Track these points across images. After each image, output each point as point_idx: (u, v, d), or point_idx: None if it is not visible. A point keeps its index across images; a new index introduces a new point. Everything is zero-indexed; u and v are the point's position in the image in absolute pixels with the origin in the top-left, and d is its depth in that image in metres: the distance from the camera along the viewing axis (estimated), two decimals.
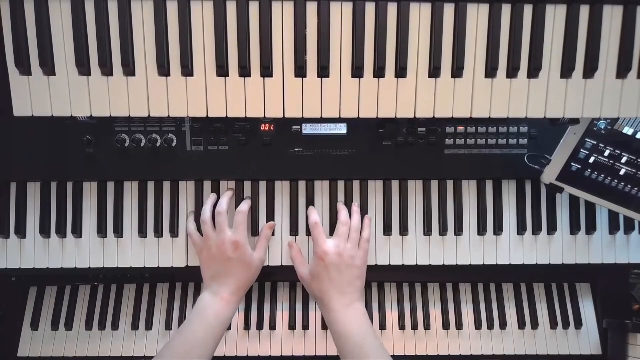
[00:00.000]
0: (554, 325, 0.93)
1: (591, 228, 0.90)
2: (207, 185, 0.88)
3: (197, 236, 0.84)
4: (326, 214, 0.89)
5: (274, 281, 0.95)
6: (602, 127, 0.81)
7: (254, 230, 0.87)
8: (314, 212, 0.85)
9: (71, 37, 0.67)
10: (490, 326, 0.94)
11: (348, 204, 0.88)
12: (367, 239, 0.84)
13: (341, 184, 0.89)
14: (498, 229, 0.89)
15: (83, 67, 0.67)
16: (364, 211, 0.88)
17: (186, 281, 0.95)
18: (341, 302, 0.77)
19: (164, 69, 0.68)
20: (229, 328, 0.92)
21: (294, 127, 0.87)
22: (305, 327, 0.92)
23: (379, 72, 0.69)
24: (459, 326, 0.93)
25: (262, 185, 0.89)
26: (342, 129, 0.87)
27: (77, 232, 0.87)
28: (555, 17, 0.68)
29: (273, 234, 0.87)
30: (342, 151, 0.87)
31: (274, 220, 0.88)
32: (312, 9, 0.67)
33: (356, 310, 0.78)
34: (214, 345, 0.74)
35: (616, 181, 0.82)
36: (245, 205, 0.84)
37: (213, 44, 0.68)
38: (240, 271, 0.80)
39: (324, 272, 0.78)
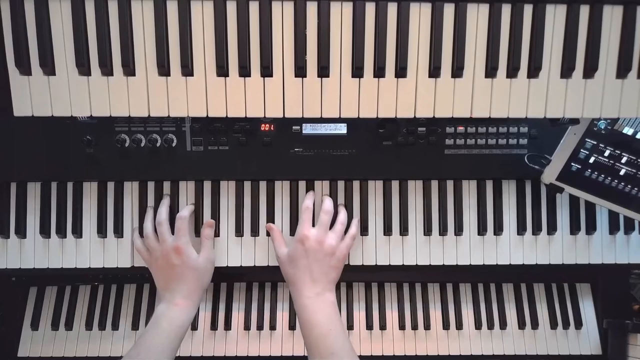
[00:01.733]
0: (554, 325, 0.93)
1: (591, 228, 0.90)
2: (207, 185, 0.88)
3: (144, 251, 0.84)
4: None
5: (274, 281, 0.95)
6: (602, 127, 0.81)
7: (254, 230, 0.87)
8: (311, 198, 0.85)
9: (71, 37, 0.67)
10: (490, 326, 0.94)
11: (348, 204, 0.88)
12: (352, 235, 0.84)
13: (341, 184, 0.89)
14: (498, 229, 0.89)
15: (83, 67, 0.67)
16: (364, 211, 0.88)
17: None
18: (312, 289, 0.77)
19: (164, 69, 0.68)
20: (229, 328, 0.92)
21: (294, 127, 0.87)
22: None
23: (379, 72, 0.69)
24: (459, 326, 0.93)
25: (262, 185, 0.89)
26: (342, 129, 0.87)
27: (77, 232, 0.87)
28: (555, 17, 0.68)
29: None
30: (342, 151, 0.87)
31: (273, 220, 0.88)
32: (312, 9, 0.67)
33: (326, 300, 0.78)
34: (170, 350, 0.74)
35: (616, 181, 0.82)
36: (185, 211, 0.84)
37: (213, 43, 0.68)
38: (188, 276, 0.80)
39: (302, 257, 0.79)
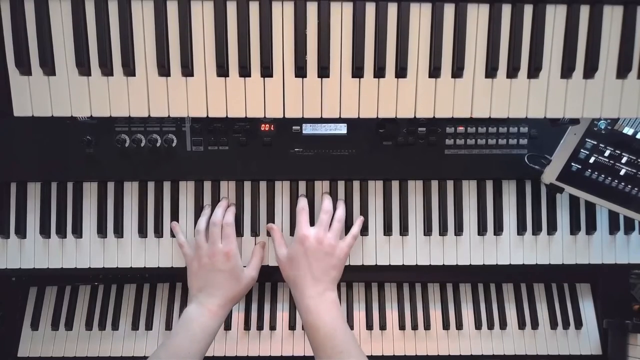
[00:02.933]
0: (554, 325, 0.94)
1: (591, 228, 0.90)
2: (207, 185, 0.88)
3: (188, 247, 0.84)
4: None
5: (274, 281, 0.95)
6: (602, 127, 0.81)
7: (254, 230, 0.87)
8: (304, 200, 0.85)
9: (71, 37, 0.67)
10: (490, 326, 0.94)
11: (348, 204, 0.88)
12: (354, 235, 0.83)
13: (341, 184, 0.89)
14: (498, 229, 0.89)
15: (83, 67, 0.67)
16: (364, 211, 0.88)
17: (186, 281, 0.95)
18: (314, 289, 0.77)
19: (164, 69, 0.68)
20: (229, 328, 0.92)
21: (294, 127, 0.87)
22: None
23: (379, 72, 0.69)
24: (459, 326, 0.93)
25: (262, 185, 0.89)
26: (342, 129, 0.87)
27: (77, 232, 0.87)
28: (555, 17, 0.68)
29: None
30: (342, 151, 0.87)
31: (273, 221, 0.88)
32: (312, 9, 0.67)
33: (328, 299, 0.77)
34: (199, 357, 0.74)
35: (616, 181, 0.82)
36: (230, 217, 0.83)
37: (213, 43, 0.68)
38: (229, 284, 0.79)
39: (302, 257, 0.78)
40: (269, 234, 0.87)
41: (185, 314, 0.77)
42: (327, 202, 0.84)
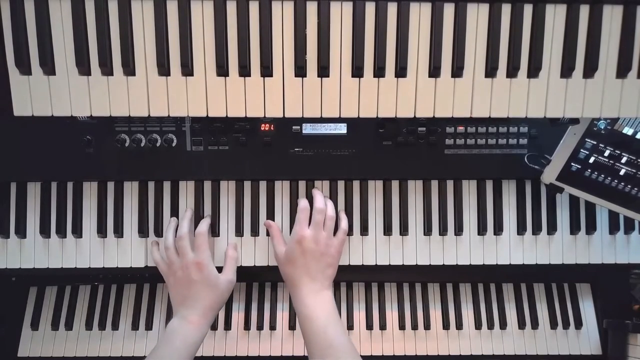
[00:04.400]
0: (554, 325, 0.93)
1: (591, 228, 0.90)
2: (207, 185, 0.88)
3: (163, 263, 0.84)
4: None
5: (274, 281, 0.95)
6: (602, 127, 0.81)
7: (254, 230, 0.87)
8: (305, 200, 0.85)
9: (71, 37, 0.67)
10: (490, 326, 0.94)
11: (348, 204, 0.88)
12: (344, 230, 0.84)
13: (341, 184, 0.89)
14: (498, 229, 0.89)
15: (83, 67, 0.67)
16: (364, 211, 0.88)
17: None
18: (311, 287, 0.78)
19: (164, 69, 0.68)
20: (229, 328, 0.92)
21: (294, 127, 0.87)
22: None
23: (379, 72, 0.69)
24: (459, 326, 0.93)
25: (262, 185, 0.89)
26: (342, 128, 0.87)
27: (77, 232, 0.87)
28: (555, 17, 0.68)
29: (267, 234, 0.87)
30: (342, 151, 0.87)
31: (274, 220, 0.88)
32: (312, 9, 0.67)
33: (324, 296, 0.79)
34: None
35: (616, 181, 0.82)
36: (203, 226, 0.83)
37: (213, 43, 0.68)
38: (206, 293, 0.79)
39: (300, 257, 0.79)
40: (268, 233, 0.87)
41: (168, 328, 0.78)
42: (320, 200, 0.84)
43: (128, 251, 0.88)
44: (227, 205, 0.88)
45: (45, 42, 0.66)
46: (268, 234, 0.87)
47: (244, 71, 0.68)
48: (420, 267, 0.89)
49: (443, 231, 0.88)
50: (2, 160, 0.86)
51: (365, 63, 0.69)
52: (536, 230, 0.89)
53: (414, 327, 0.93)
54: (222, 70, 0.68)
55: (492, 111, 0.70)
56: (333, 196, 0.88)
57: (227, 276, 0.82)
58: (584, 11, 0.68)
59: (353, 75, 0.69)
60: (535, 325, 0.93)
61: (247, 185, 0.89)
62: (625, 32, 0.68)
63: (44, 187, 0.88)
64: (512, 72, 0.69)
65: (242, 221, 0.88)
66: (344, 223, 0.85)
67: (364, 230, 0.88)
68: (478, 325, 0.93)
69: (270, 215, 0.88)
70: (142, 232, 0.87)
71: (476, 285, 0.96)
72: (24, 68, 0.67)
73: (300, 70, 0.69)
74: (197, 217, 0.87)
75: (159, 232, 0.87)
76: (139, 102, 0.69)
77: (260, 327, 0.92)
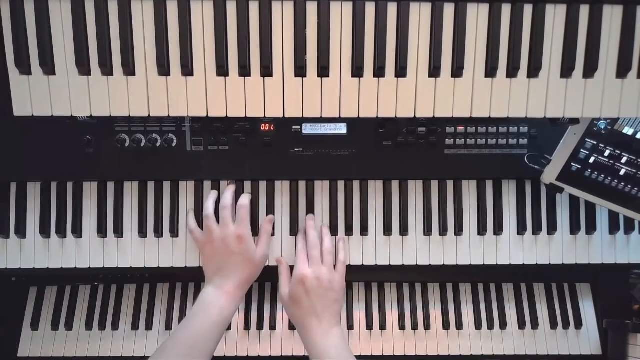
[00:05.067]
0: (554, 325, 0.93)
1: (591, 228, 0.90)
2: (207, 185, 0.88)
3: (199, 231, 0.84)
4: (326, 215, 0.89)
5: (274, 281, 0.94)
6: (602, 127, 0.81)
7: (254, 230, 0.87)
8: (303, 241, 0.85)
9: (71, 37, 0.67)
10: (490, 326, 0.94)
11: (348, 204, 0.88)
12: (343, 262, 0.84)
13: (341, 184, 0.89)
14: (498, 229, 0.89)
15: (83, 67, 0.67)
16: (364, 211, 0.88)
17: (186, 281, 0.95)
18: (319, 327, 0.77)
19: (164, 69, 0.68)
20: (229, 328, 0.92)
21: (294, 127, 0.87)
22: None
23: (379, 72, 0.69)
24: (459, 326, 0.93)
25: (262, 185, 0.89)
26: (342, 128, 0.87)
27: (77, 232, 0.87)
28: (555, 17, 0.68)
29: (273, 234, 0.87)
30: (342, 151, 0.87)
31: (276, 220, 0.88)
32: (312, 9, 0.67)
33: (334, 335, 0.77)
34: (216, 340, 0.74)
35: (616, 181, 0.82)
36: (246, 199, 0.83)
37: (213, 43, 0.68)
38: (243, 266, 0.79)
39: (304, 296, 0.78)
40: (272, 232, 0.87)
41: (202, 297, 0.77)
42: (313, 234, 0.84)
43: (128, 251, 0.88)
44: None
45: (45, 42, 0.67)
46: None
47: (244, 71, 0.69)
48: (420, 267, 0.89)
49: (443, 231, 0.88)
50: (2, 160, 0.86)
51: (365, 63, 0.69)
52: (536, 230, 0.89)
53: (414, 327, 0.93)
54: (222, 70, 0.68)
55: (492, 111, 0.70)
56: (333, 196, 0.88)
57: (262, 250, 0.82)
58: (584, 11, 0.68)
59: (353, 75, 0.69)
60: (535, 325, 0.93)
61: (247, 185, 0.89)
62: (625, 32, 0.68)
63: (44, 187, 0.88)
64: (512, 72, 0.69)
65: None
66: (341, 255, 0.84)
67: (364, 230, 0.88)
68: (478, 325, 0.93)
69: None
70: (142, 232, 0.87)
71: (476, 285, 0.96)
72: (24, 68, 0.67)
73: (300, 70, 0.69)
74: (198, 218, 0.87)
75: (159, 232, 0.87)
76: (139, 102, 0.69)
77: (260, 327, 0.92)
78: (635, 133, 0.81)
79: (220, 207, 0.82)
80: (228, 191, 0.84)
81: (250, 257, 0.80)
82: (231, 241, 0.79)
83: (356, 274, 0.92)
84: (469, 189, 0.90)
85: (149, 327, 0.93)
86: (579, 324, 0.94)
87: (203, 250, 0.83)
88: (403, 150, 0.87)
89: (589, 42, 0.68)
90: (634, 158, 0.81)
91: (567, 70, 0.69)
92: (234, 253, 0.79)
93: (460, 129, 0.87)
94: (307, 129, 0.87)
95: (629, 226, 0.90)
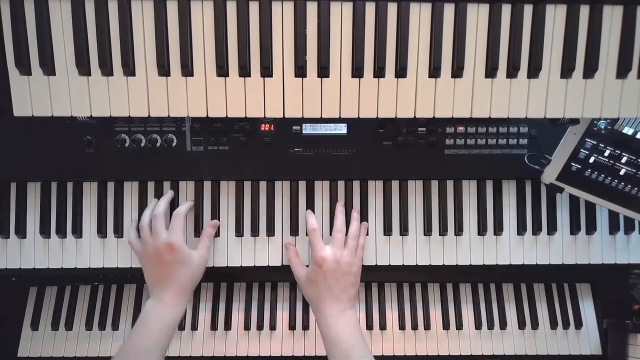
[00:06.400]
0: (554, 325, 0.93)
1: (591, 228, 0.90)
2: (207, 185, 0.88)
3: (136, 243, 0.83)
4: (326, 215, 0.89)
5: (274, 281, 0.94)
6: (602, 127, 0.81)
7: (254, 230, 0.87)
8: (312, 217, 0.85)
9: (71, 37, 0.67)
10: (490, 326, 0.94)
11: (347, 204, 0.88)
12: (362, 246, 0.84)
13: (341, 184, 0.89)
14: (498, 229, 0.89)
15: (83, 67, 0.67)
16: (363, 211, 0.88)
17: None
18: (335, 308, 0.78)
19: (164, 69, 0.68)
20: (229, 328, 0.92)
21: (294, 127, 0.87)
22: (305, 327, 0.92)
23: (379, 72, 0.69)
24: (459, 326, 0.93)
25: (262, 185, 0.89)
26: (342, 129, 0.87)
27: (77, 232, 0.87)
28: (555, 17, 0.68)
29: (273, 234, 0.87)
30: (342, 151, 0.87)
31: (273, 221, 0.88)
32: (312, 9, 0.67)
33: (348, 317, 0.78)
34: (159, 350, 0.74)
35: (616, 181, 0.82)
36: (183, 208, 0.83)
37: (213, 44, 0.68)
38: (179, 273, 0.79)
39: (322, 279, 0.79)
40: (268, 234, 0.87)
41: (143, 310, 0.78)
42: (341, 218, 0.84)
43: (128, 251, 0.87)
44: (227, 206, 0.88)
45: (45, 43, 0.66)
46: (268, 235, 0.87)
47: (244, 71, 0.68)
48: (420, 267, 0.89)
49: (443, 231, 0.88)
50: (2, 160, 0.86)
51: (365, 63, 0.69)
52: (536, 230, 0.89)
53: (414, 327, 0.93)
54: (222, 70, 0.68)
55: (492, 111, 0.70)
56: (333, 196, 0.88)
57: (199, 253, 0.82)
58: (584, 11, 0.68)
59: (353, 76, 0.69)
60: (535, 325, 0.93)
61: (247, 185, 0.89)
62: (625, 32, 0.68)
63: (44, 187, 0.88)
64: (512, 73, 0.69)
65: (242, 221, 0.88)
66: (361, 240, 0.85)
67: None
68: (478, 326, 0.93)
69: (270, 215, 0.88)
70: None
71: (476, 285, 0.96)
72: (24, 68, 0.67)
73: (300, 71, 0.69)
74: (197, 217, 0.87)
75: None
76: (139, 103, 0.69)
77: (260, 327, 0.92)
78: (635, 133, 0.81)
79: (152, 216, 0.82)
80: (163, 199, 0.84)
81: (186, 263, 0.79)
82: (163, 251, 0.78)
83: None
84: (469, 189, 0.90)
85: None
86: (579, 324, 0.94)
87: (141, 262, 0.82)
88: (403, 150, 0.87)
89: (589, 42, 0.68)
90: (634, 158, 0.81)
91: (567, 71, 0.69)
92: (168, 262, 0.78)
93: (460, 129, 0.87)
94: (307, 129, 0.87)
95: (629, 226, 0.90)
